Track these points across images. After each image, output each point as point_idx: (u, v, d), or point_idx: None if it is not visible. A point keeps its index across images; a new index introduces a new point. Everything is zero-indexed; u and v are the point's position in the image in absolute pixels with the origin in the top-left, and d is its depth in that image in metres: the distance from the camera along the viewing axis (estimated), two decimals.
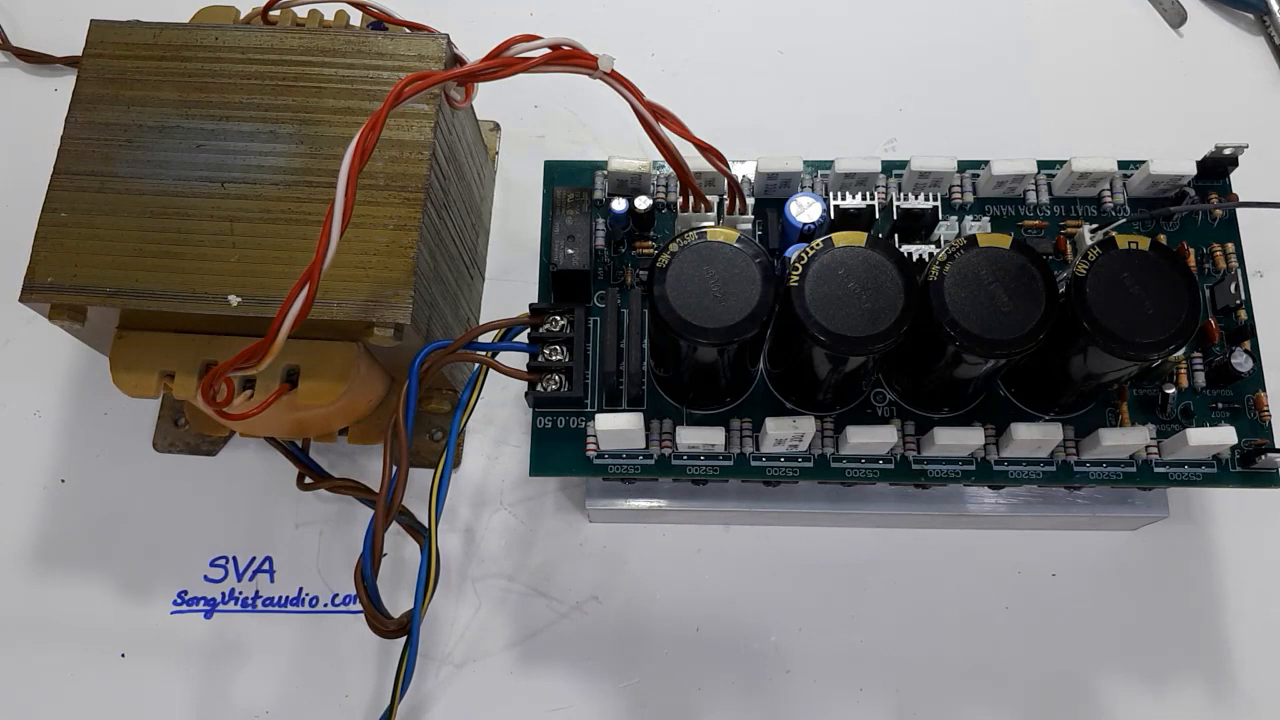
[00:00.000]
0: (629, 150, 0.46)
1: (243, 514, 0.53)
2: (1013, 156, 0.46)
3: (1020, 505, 0.50)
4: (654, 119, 0.41)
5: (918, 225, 0.45)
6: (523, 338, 0.43)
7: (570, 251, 0.43)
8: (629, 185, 0.46)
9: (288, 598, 0.52)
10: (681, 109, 0.42)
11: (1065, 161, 0.46)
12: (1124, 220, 0.46)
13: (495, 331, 0.43)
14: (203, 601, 0.52)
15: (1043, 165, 0.47)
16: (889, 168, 0.46)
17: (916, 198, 0.44)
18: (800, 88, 0.61)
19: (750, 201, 0.46)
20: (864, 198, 0.44)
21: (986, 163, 0.46)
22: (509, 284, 0.57)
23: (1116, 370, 0.40)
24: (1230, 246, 0.46)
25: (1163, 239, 0.46)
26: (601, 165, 0.47)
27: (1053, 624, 0.51)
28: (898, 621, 0.51)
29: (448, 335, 0.47)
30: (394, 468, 0.41)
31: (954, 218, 0.46)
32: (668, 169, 0.45)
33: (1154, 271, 0.38)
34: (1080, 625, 0.51)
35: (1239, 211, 0.46)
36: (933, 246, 0.44)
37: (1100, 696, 0.50)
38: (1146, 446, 0.43)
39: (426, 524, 0.42)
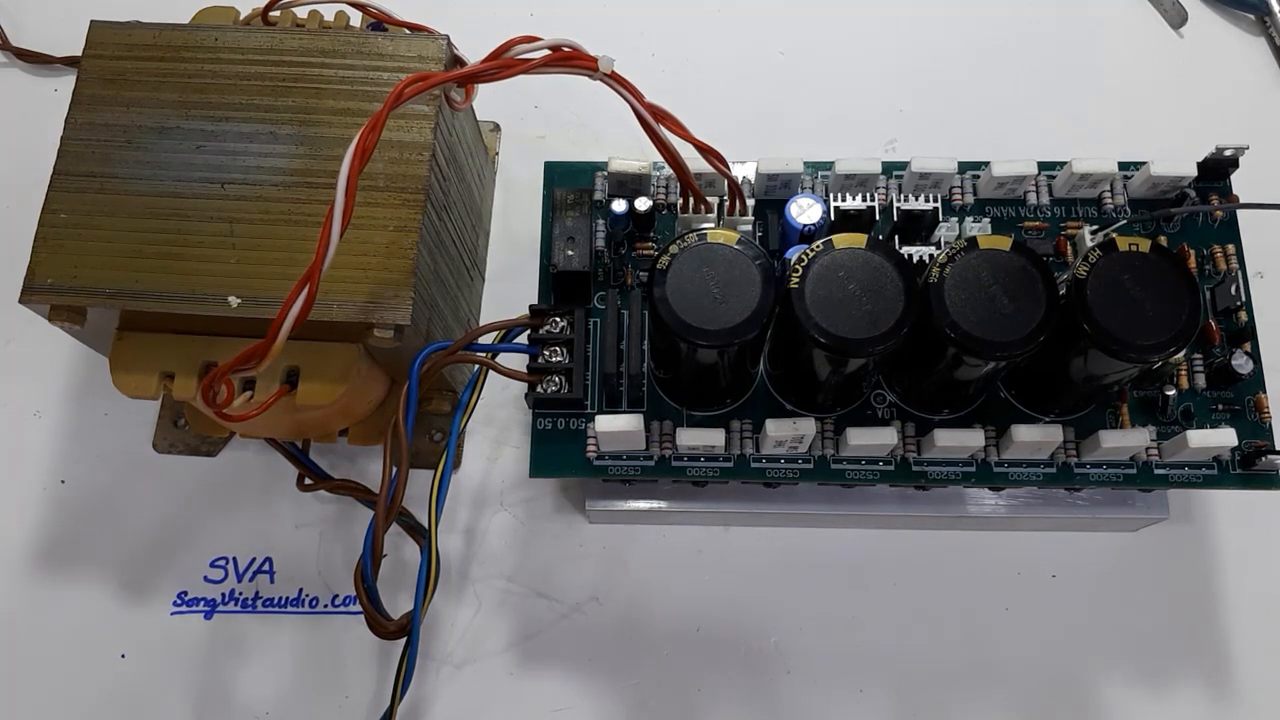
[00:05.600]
0: (629, 151, 0.46)
1: (243, 515, 0.53)
2: (1013, 157, 0.46)
3: (1020, 506, 0.50)
4: (654, 120, 0.41)
5: (918, 227, 0.45)
6: (523, 339, 0.43)
7: (570, 253, 0.43)
8: (629, 186, 0.46)
9: (288, 598, 0.52)
10: (681, 110, 0.42)
11: (1066, 163, 0.46)
12: (1124, 222, 0.46)
13: (495, 333, 0.43)
14: (203, 602, 0.52)
15: (1043, 166, 0.47)
16: (889, 169, 0.46)
17: (917, 199, 0.44)
18: (800, 88, 0.61)
19: (750, 203, 0.46)
20: (864, 199, 0.44)
21: (987, 164, 0.46)
22: (509, 285, 0.57)
23: (1117, 372, 0.40)
24: (1231, 248, 0.46)
25: (1163, 240, 0.46)
26: (602, 166, 0.47)
27: (1052, 624, 0.51)
28: (898, 622, 0.51)
29: (448, 336, 0.47)
30: (394, 469, 0.41)
31: (954, 219, 0.46)
32: (668, 170, 0.45)
33: (1154, 273, 0.38)
34: (1080, 626, 0.51)
35: (1239, 213, 0.46)
36: (933, 248, 0.44)
37: (1100, 697, 0.50)
38: (1147, 448, 0.43)
39: (426, 525, 0.43)
